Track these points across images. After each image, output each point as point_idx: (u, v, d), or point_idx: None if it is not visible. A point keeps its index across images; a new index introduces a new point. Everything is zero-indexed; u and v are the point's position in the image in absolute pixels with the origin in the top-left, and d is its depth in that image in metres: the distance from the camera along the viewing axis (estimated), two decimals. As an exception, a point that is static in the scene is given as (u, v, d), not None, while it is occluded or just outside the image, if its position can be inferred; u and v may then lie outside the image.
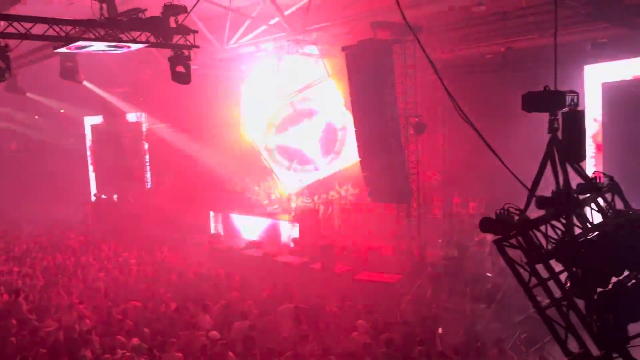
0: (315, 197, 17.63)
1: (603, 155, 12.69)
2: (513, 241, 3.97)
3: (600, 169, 11.91)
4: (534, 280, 3.91)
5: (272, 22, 14.80)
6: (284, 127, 19.58)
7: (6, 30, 7.57)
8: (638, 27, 11.10)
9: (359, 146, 14.44)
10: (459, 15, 13.39)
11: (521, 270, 3.94)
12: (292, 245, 16.08)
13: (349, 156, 17.52)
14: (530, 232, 3.92)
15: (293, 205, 17.69)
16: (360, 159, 14.61)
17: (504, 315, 10.33)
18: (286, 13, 14.26)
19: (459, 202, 15.46)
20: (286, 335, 9.39)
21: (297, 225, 16.46)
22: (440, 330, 9.46)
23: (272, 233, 17.29)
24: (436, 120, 15.42)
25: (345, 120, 17.73)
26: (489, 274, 11.57)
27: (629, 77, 12.44)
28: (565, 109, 4.22)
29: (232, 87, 19.36)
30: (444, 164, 15.92)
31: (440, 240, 13.92)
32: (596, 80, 12.81)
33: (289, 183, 19.12)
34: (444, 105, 13.86)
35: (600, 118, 12.81)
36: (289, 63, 16.96)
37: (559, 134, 4.20)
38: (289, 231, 16.79)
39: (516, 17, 12.47)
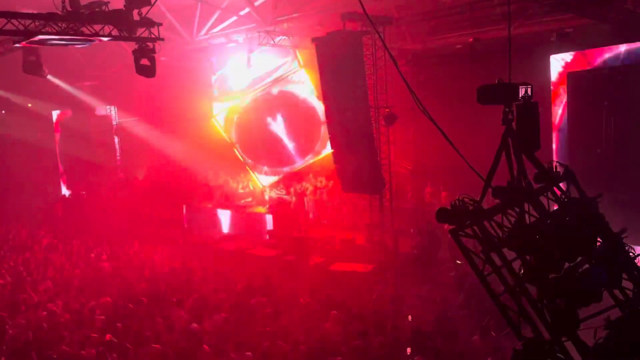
0: (290, 189, 17.66)
1: (568, 143, 12.99)
2: (469, 231, 4.06)
3: (564, 157, 12.21)
4: (488, 269, 4.01)
5: (242, 12, 14.71)
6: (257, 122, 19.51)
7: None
8: (602, 17, 11.34)
9: (331, 138, 14.51)
10: (429, 6, 13.51)
11: (477, 260, 4.04)
12: (267, 237, 16.09)
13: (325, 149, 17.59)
14: (485, 222, 4.01)
15: (267, 197, 17.69)
16: (332, 150, 14.68)
17: (474, 301, 10.53)
18: (256, 4, 14.19)
19: (430, 192, 15.67)
20: (260, 329, 9.42)
21: (271, 217, 16.46)
22: (410, 317, 9.61)
23: (247, 226, 17.26)
24: (407, 110, 15.53)
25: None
26: (459, 262, 11.77)
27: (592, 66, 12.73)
28: (519, 101, 4.31)
29: (203, 79, 19.18)
30: (415, 154, 16.08)
31: (412, 230, 14.10)
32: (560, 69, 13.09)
33: (262, 176, 19.10)
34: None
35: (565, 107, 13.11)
36: (260, 55, 16.84)
37: (514, 125, 4.29)
38: (263, 223, 16.79)
39: (483, 8, 12.61)
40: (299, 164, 18.82)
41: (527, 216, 4.25)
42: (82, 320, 9.72)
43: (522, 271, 4.02)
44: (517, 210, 4.16)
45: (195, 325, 9.16)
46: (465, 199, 4.01)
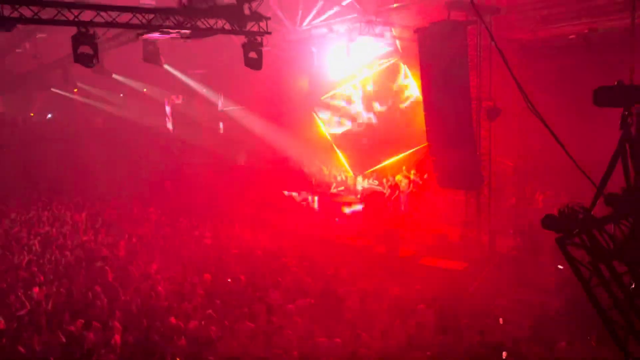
0: (383, 180, 17.62)
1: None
2: (577, 240, 3.86)
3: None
4: (595, 280, 3.80)
5: (344, 2, 14.82)
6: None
7: (94, 20, 8.15)
8: None
9: (428, 130, 14.19)
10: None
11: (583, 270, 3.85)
12: (357, 227, 16.21)
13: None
14: (595, 231, 3.80)
15: (359, 187, 17.79)
16: (429, 143, 14.39)
17: (576, 310, 9.94)
18: (359, -6, 14.23)
19: (533, 192, 14.89)
20: (348, 318, 9.60)
21: (363, 207, 16.55)
22: (501, 320, 9.30)
23: (338, 214, 17.49)
24: (512, 104, 14.82)
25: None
26: (560, 267, 11.14)
27: None
28: (640, 105, 4.00)
29: (303, 68, 19.59)
30: (518, 151, 15.31)
31: (511, 230, 13.53)
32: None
33: (355, 165, 19.22)
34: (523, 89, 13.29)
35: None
36: (360, 45, 16.84)
37: (633, 130, 3.99)
38: (354, 213, 16.93)
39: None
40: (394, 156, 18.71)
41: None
42: (184, 294, 10.51)
43: (634, 286, 3.76)
44: (631, 220, 3.89)
45: (291, 306, 9.52)
46: (574, 206, 3.82)
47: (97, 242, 14.53)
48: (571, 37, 13.82)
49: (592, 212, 3.94)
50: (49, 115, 28.57)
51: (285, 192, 19.29)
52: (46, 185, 22.31)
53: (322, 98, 19.91)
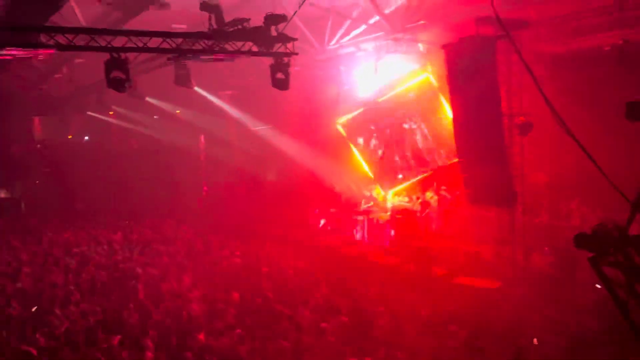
0: (413, 197, 17.45)
1: None
2: (612, 258, 3.72)
3: None
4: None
5: (371, 21, 14.89)
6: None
7: (126, 45, 8.44)
8: None
9: (458, 147, 14.03)
10: (571, 5, 12.53)
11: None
12: (388, 245, 16.08)
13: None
14: (631, 250, 3.65)
15: (389, 204, 17.66)
16: (459, 160, 14.21)
17: (614, 331, 9.54)
18: (386, 12, 14.26)
19: (569, 208, 14.48)
20: (378, 336, 9.48)
21: (394, 225, 16.40)
22: (535, 340, 9.00)
23: (369, 232, 17.39)
24: (545, 118, 14.50)
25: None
26: (598, 286, 10.74)
27: None
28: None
29: (331, 87, 19.70)
30: (551, 166, 14.94)
31: (546, 248, 13.15)
32: None
33: (385, 182, 19.10)
34: (554, 102, 13.03)
35: None
36: (388, 63, 16.84)
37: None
38: (385, 231, 16.80)
39: (636, 8, 11.38)
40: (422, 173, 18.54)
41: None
42: (215, 312, 10.56)
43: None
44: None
45: (323, 324, 9.46)
46: (608, 224, 3.69)
47: (131, 261, 14.81)
48: (606, 48, 13.51)
49: (628, 230, 3.79)
50: (86, 138, 29.52)
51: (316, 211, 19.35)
52: (83, 205, 22.99)
53: (348, 117, 19.95)
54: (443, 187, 16.77)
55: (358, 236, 17.56)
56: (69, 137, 28.57)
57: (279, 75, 9.37)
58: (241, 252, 15.67)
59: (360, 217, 17.87)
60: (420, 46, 15.92)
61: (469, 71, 12.98)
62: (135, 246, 16.44)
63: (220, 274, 13.41)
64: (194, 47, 8.98)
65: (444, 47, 13.56)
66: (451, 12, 13.33)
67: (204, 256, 15.20)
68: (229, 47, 9.13)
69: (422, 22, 13.87)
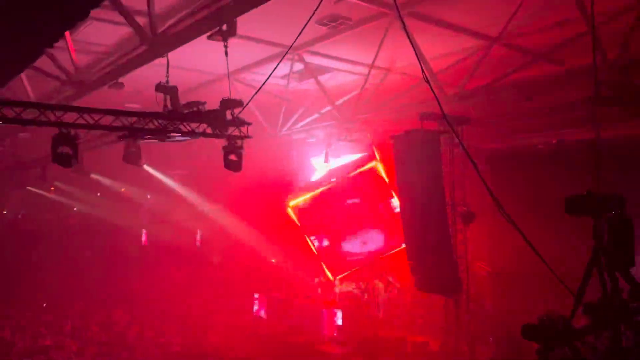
0: (361, 284, 17.32)
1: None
2: (558, 351, 3.75)
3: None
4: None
5: (323, 110, 15.48)
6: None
7: (76, 122, 8.31)
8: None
9: (405, 234, 14.29)
10: (508, 107, 13.49)
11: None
12: (335, 333, 15.66)
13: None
14: (577, 343, 3.71)
15: (337, 290, 17.42)
16: (406, 246, 14.40)
17: None
18: (337, 103, 14.91)
19: (509, 297, 14.73)
20: None
21: (341, 312, 16.09)
22: None
23: (315, 319, 16.93)
24: (485, 209, 15.12)
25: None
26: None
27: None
28: (612, 215, 4.10)
29: (282, 170, 19.93)
30: (492, 256, 15.37)
31: (490, 338, 13.18)
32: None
33: (333, 267, 18.93)
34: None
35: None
36: (337, 149, 17.36)
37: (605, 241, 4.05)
38: (332, 318, 16.41)
39: (565, 112, 12.39)
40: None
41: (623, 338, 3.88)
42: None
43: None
44: (611, 332, 3.82)
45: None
46: (552, 316, 3.75)
47: (63, 349, 13.63)
48: (539, 146, 14.48)
49: (571, 321, 3.87)
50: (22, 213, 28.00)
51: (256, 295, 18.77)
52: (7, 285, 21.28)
53: (296, 201, 20.07)
54: (390, 277, 16.79)
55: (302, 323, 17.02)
56: (4, 212, 27.06)
57: (232, 157, 9.42)
58: (181, 341, 14.81)
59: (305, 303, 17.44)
60: (369, 136, 16.56)
61: (415, 161, 13.56)
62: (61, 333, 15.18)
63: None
64: (147, 127, 8.95)
65: (392, 137, 14.21)
66: (397, 105, 14.08)
67: (138, 346, 14.22)
68: (183, 127, 9.17)
69: (371, 113, 14.54)
